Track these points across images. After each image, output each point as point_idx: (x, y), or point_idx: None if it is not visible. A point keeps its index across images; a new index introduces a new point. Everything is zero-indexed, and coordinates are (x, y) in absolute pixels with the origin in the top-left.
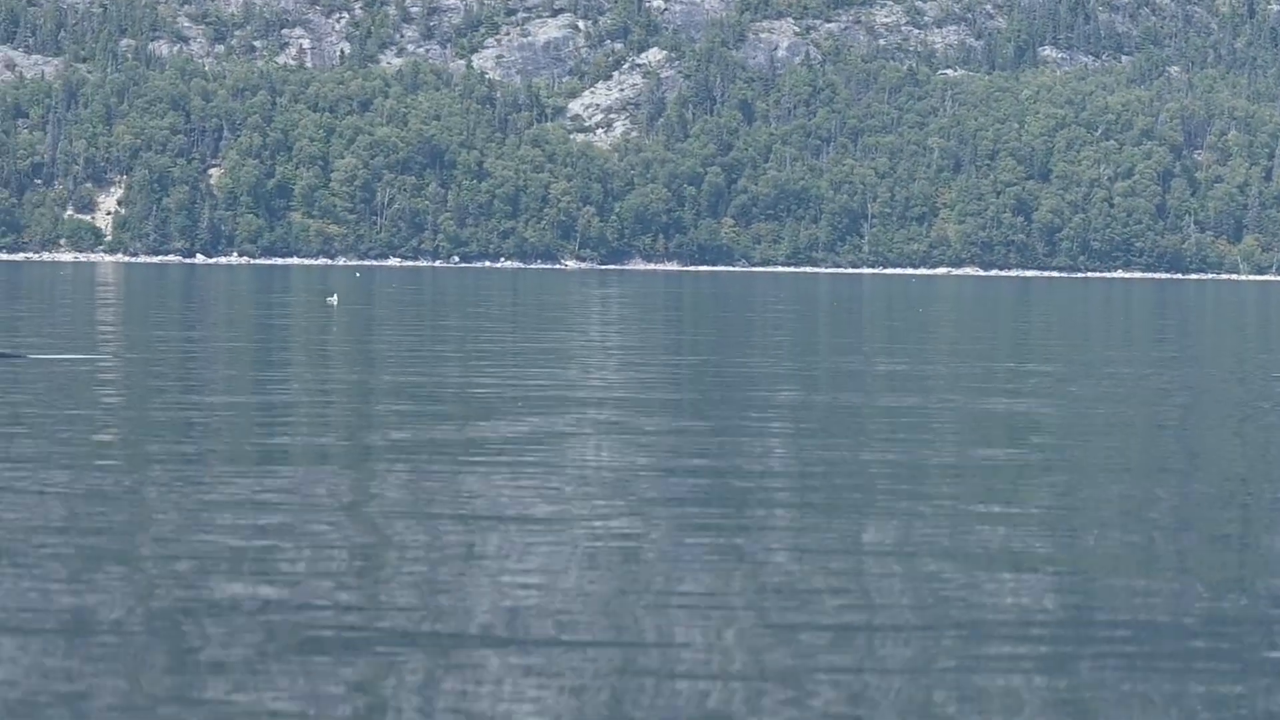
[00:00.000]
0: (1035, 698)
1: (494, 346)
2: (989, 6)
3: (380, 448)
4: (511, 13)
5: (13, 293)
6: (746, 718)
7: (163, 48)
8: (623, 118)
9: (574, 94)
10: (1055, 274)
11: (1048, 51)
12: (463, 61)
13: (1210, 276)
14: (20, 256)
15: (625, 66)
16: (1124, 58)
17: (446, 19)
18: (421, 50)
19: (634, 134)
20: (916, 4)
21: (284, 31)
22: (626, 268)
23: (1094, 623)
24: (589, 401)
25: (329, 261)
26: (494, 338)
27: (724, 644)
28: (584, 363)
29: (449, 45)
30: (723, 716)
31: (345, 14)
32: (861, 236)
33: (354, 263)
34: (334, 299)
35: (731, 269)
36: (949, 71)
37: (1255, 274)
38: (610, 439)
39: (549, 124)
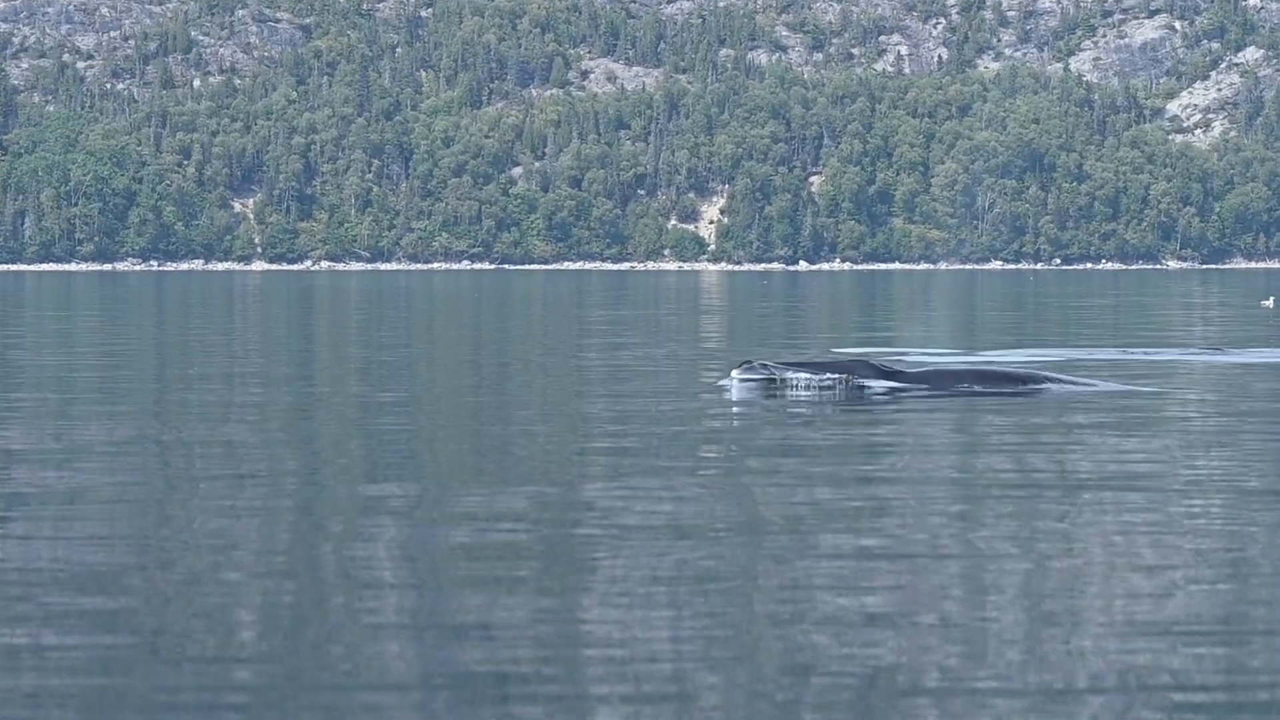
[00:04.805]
0: None
1: None
2: None
3: None
4: (1108, 14)
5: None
6: None
7: (761, 56)
8: (1221, 117)
9: (1171, 94)
10: None
11: None
12: (1060, 64)
13: None
14: (625, 266)
15: (1223, 66)
16: None
17: (1043, 22)
18: (1019, 54)
19: (1233, 133)
20: None
21: (881, 38)
22: (1227, 267)
23: None
24: None
25: (931, 266)
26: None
27: None
28: None
29: (1046, 48)
30: None
31: (942, 19)
32: None
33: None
34: (1269, 301)
35: None
36: None
37: None
38: None
39: (1147, 125)
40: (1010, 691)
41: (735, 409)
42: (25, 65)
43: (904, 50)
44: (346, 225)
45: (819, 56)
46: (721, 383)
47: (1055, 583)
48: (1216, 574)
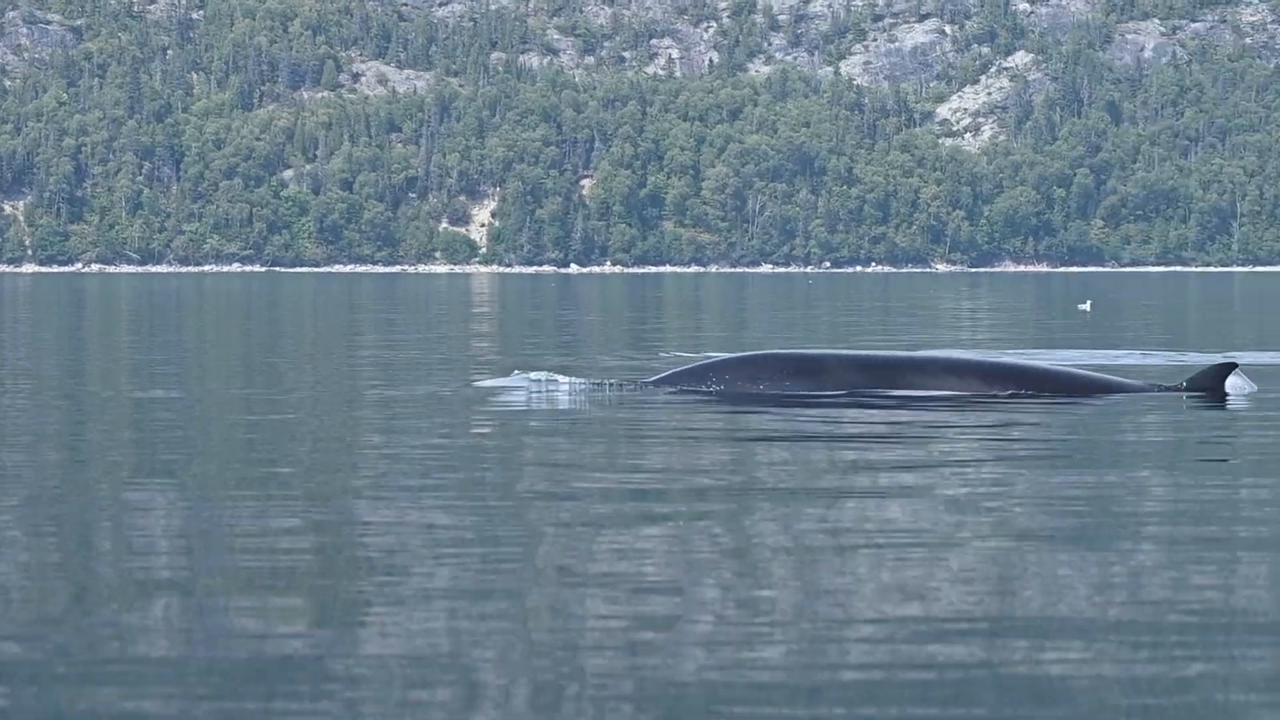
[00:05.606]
0: None
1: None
2: None
3: None
4: (878, 18)
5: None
6: None
7: (533, 60)
8: (990, 121)
9: (941, 98)
10: None
11: None
12: (831, 68)
13: None
14: (396, 269)
15: (992, 70)
16: None
17: (814, 26)
18: (789, 58)
19: (1002, 137)
20: None
21: (653, 41)
22: (996, 270)
23: None
24: None
25: (701, 269)
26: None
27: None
28: None
29: (817, 52)
30: None
31: (713, 23)
32: (1231, 235)
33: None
34: (1087, 305)
35: (1101, 269)
36: None
37: None
38: None
39: (917, 129)
40: (778, 687)
41: (503, 413)
42: None
43: (675, 54)
44: (117, 228)
45: (590, 60)
46: (483, 384)
47: (825, 570)
48: (987, 572)
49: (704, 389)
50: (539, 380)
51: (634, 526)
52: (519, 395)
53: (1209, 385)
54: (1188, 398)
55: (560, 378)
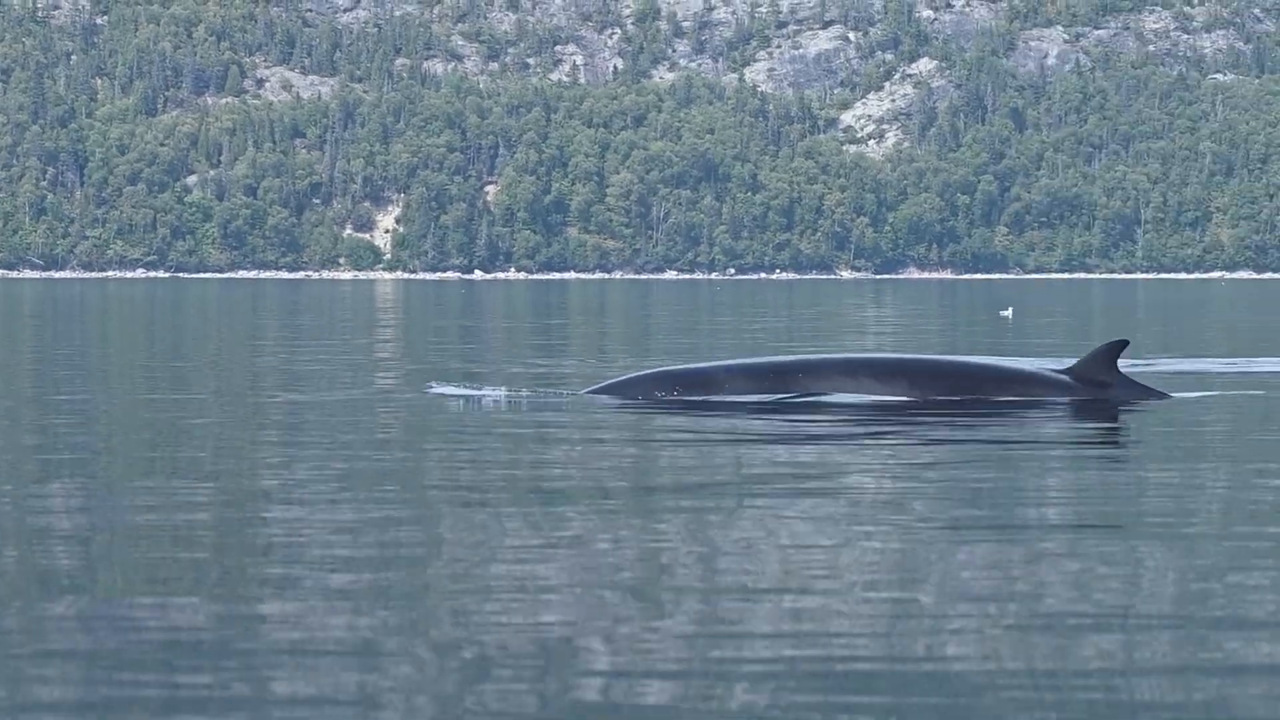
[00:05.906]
0: None
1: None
2: (1257, 10)
3: None
4: (782, 25)
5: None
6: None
7: (437, 66)
8: (894, 128)
9: (846, 105)
10: None
11: None
12: (735, 75)
13: None
14: (300, 275)
15: (896, 77)
16: None
17: (718, 33)
18: (694, 64)
19: (906, 144)
20: (1185, 9)
21: (557, 48)
22: (901, 277)
23: None
24: None
25: (606, 276)
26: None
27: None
28: None
29: (721, 59)
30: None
31: (617, 30)
32: (1135, 242)
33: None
34: (1008, 312)
35: (1006, 276)
36: (1219, 76)
37: None
38: None
39: (821, 136)
40: (682, 674)
41: (429, 420)
42: None
43: (580, 60)
44: (20, 233)
45: (495, 66)
46: (410, 394)
47: (725, 570)
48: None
49: (645, 399)
50: (472, 390)
51: (553, 528)
52: (451, 404)
53: (1101, 364)
54: (1079, 382)
55: (488, 388)
